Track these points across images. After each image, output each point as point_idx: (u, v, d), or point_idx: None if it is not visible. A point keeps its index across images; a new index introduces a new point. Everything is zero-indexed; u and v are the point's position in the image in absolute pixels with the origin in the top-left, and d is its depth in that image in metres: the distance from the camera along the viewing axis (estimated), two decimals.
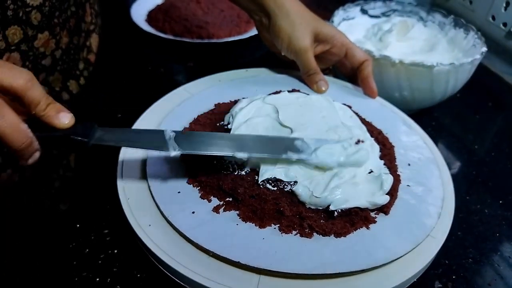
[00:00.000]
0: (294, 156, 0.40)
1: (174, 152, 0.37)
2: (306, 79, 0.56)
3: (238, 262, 0.33)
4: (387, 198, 0.39)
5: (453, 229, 0.40)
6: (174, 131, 0.38)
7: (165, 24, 0.83)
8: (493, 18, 0.78)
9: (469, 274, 0.43)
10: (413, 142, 0.49)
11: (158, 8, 0.90)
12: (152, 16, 0.87)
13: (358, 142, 0.44)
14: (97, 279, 0.39)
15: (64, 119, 0.34)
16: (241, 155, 0.38)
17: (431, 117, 0.68)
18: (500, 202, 0.52)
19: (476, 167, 0.59)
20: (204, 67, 0.75)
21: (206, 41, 0.80)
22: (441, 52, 0.64)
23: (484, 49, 0.60)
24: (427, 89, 0.59)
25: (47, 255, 0.42)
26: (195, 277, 0.33)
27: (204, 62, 0.78)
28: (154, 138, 0.38)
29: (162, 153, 0.43)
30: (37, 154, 0.34)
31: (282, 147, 0.40)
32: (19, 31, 0.47)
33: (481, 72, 0.67)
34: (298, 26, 0.52)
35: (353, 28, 0.71)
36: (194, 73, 0.58)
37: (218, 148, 0.38)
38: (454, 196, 0.44)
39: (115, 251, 0.42)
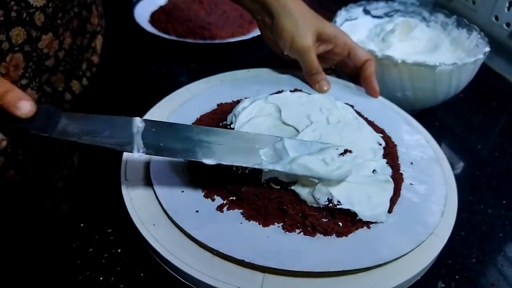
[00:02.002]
0: (268, 166, 0.36)
1: (137, 154, 0.34)
2: (308, 79, 0.56)
3: (243, 260, 0.33)
4: (385, 212, 0.39)
5: (456, 229, 0.40)
6: (144, 121, 0.35)
7: (168, 25, 0.84)
8: (496, 18, 0.78)
9: (473, 274, 0.43)
10: (416, 141, 0.49)
11: (161, 9, 0.90)
12: (155, 17, 0.87)
13: (344, 152, 0.40)
14: (101, 278, 0.40)
15: (25, 107, 0.32)
16: (209, 161, 0.35)
17: (434, 117, 0.68)
18: (504, 202, 0.52)
19: (479, 167, 0.58)
20: (207, 67, 0.75)
21: (209, 41, 0.80)
22: (444, 52, 0.64)
23: (487, 49, 0.60)
24: (430, 89, 0.58)
25: (51, 255, 0.42)
26: (200, 276, 0.33)
27: (207, 62, 0.79)
28: (120, 132, 0.34)
29: None
30: (3, 143, 0.33)
31: (257, 151, 0.37)
32: (23, 32, 0.48)
33: (484, 72, 0.67)
34: (301, 26, 0.52)
35: (355, 29, 0.71)
36: (197, 74, 0.58)
37: (184, 150, 0.35)
38: (457, 195, 0.44)
39: (119, 250, 0.42)
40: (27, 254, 0.42)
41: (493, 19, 0.79)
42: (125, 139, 0.34)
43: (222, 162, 0.35)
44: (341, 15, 0.70)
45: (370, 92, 0.56)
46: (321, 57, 0.56)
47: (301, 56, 0.54)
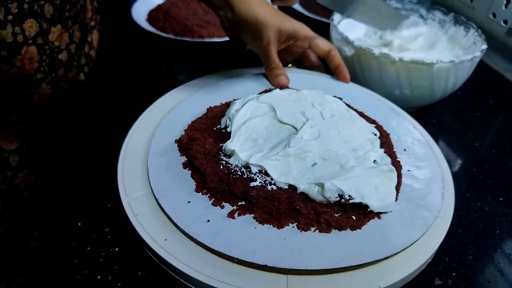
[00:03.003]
0: None
1: None
2: (267, 73, 0.56)
3: (265, 265, 0.33)
4: (393, 201, 0.39)
5: (453, 226, 0.40)
6: None
7: (165, 23, 0.84)
8: (494, 15, 0.78)
9: (469, 271, 0.43)
10: (404, 127, 0.51)
11: (159, 8, 0.90)
12: (153, 16, 0.87)
13: None
14: (98, 277, 0.40)
15: None
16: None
17: (431, 114, 0.68)
18: (501, 199, 0.52)
19: (477, 164, 0.59)
20: (205, 66, 0.75)
21: (207, 40, 0.80)
22: (441, 50, 0.64)
23: (484, 46, 0.60)
24: (427, 87, 0.59)
25: (49, 253, 0.42)
26: (225, 287, 0.33)
27: (205, 61, 0.79)
28: None
29: (164, 161, 0.42)
30: None
31: None
32: (35, 24, 0.48)
33: (482, 69, 0.67)
34: (261, 21, 0.53)
35: (353, 27, 0.71)
36: (194, 72, 0.59)
37: None
38: (450, 174, 0.45)
39: (116, 249, 0.42)
40: (25, 253, 0.42)
41: (491, 16, 0.79)
42: None
43: None
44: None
45: (342, 79, 0.58)
46: (283, 50, 0.57)
47: (261, 50, 0.55)
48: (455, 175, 0.46)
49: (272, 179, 0.40)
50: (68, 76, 0.56)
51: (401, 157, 0.45)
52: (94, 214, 0.46)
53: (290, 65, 0.65)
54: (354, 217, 0.37)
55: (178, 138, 0.45)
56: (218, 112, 0.49)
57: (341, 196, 0.38)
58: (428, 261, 0.38)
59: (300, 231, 0.37)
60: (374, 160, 0.42)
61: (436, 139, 0.51)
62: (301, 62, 0.64)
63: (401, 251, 0.36)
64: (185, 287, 0.35)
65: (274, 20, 0.54)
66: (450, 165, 0.48)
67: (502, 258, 0.45)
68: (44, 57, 0.51)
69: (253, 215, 0.37)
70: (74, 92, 0.59)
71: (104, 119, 0.61)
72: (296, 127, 0.44)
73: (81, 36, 0.58)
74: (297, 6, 0.97)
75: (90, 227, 0.44)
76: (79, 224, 0.45)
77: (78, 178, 0.53)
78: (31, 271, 0.41)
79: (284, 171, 0.40)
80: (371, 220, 0.38)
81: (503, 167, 0.58)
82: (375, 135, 0.46)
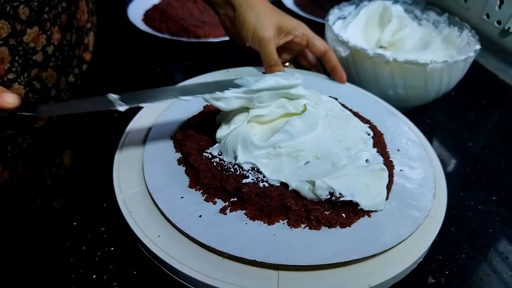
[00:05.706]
0: (234, 90, 0.41)
1: (122, 108, 0.38)
2: (267, 70, 0.57)
3: (254, 260, 0.34)
4: (384, 200, 0.40)
5: (446, 225, 0.41)
6: (119, 94, 0.39)
7: (161, 23, 0.84)
8: (488, 16, 0.79)
9: (462, 269, 0.44)
10: (399, 128, 0.51)
11: (154, 8, 0.90)
12: (149, 16, 0.87)
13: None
14: (94, 276, 0.40)
15: (8, 98, 0.35)
16: (186, 98, 0.40)
17: (426, 114, 0.68)
18: (494, 198, 0.53)
19: (470, 163, 0.59)
20: (201, 66, 0.76)
21: (202, 40, 0.80)
22: (435, 50, 0.65)
23: (478, 47, 0.60)
24: (421, 87, 0.59)
25: (44, 253, 0.42)
26: (216, 283, 0.33)
27: (201, 61, 0.79)
28: (99, 102, 0.39)
29: (159, 158, 0.43)
30: None
31: (224, 86, 0.41)
32: (7, 26, 0.47)
33: (476, 69, 0.68)
34: (262, 17, 0.54)
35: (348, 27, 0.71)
36: (191, 72, 0.59)
37: (162, 97, 0.40)
38: (444, 175, 0.46)
39: (112, 248, 0.42)
40: (20, 253, 0.42)
41: (485, 17, 0.79)
42: (106, 104, 0.39)
43: (197, 96, 0.40)
44: (334, 13, 0.70)
45: (339, 80, 0.59)
46: (283, 48, 0.58)
47: (261, 47, 0.56)
48: (448, 175, 0.47)
49: (264, 176, 0.40)
50: (41, 76, 0.56)
51: (394, 157, 0.46)
52: (89, 214, 0.46)
53: (287, 64, 0.65)
54: (344, 215, 0.38)
55: (173, 135, 0.45)
56: (214, 109, 0.49)
57: (332, 194, 0.38)
58: (419, 261, 0.38)
59: (290, 228, 0.37)
60: (367, 159, 0.42)
61: (430, 139, 0.52)
62: (299, 61, 0.65)
63: (390, 249, 0.36)
64: (179, 286, 0.35)
65: (275, 18, 0.55)
66: (444, 165, 0.48)
67: (495, 256, 0.46)
68: (17, 57, 0.50)
69: (244, 211, 0.38)
70: (49, 92, 0.59)
71: (100, 119, 0.61)
72: None
73: (62, 38, 0.57)
74: (292, 6, 0.98)
75: (86, 227, 0.44)
76: (74, 223, 0.45)
77: (74, 178, 0.53)
78: (26, 270, 0.41)
79: (276, 169, 0.41)
80: (361, 218, 0.38)
81: (497, 167, 0.59)
82: (369, 134, 0.47)
